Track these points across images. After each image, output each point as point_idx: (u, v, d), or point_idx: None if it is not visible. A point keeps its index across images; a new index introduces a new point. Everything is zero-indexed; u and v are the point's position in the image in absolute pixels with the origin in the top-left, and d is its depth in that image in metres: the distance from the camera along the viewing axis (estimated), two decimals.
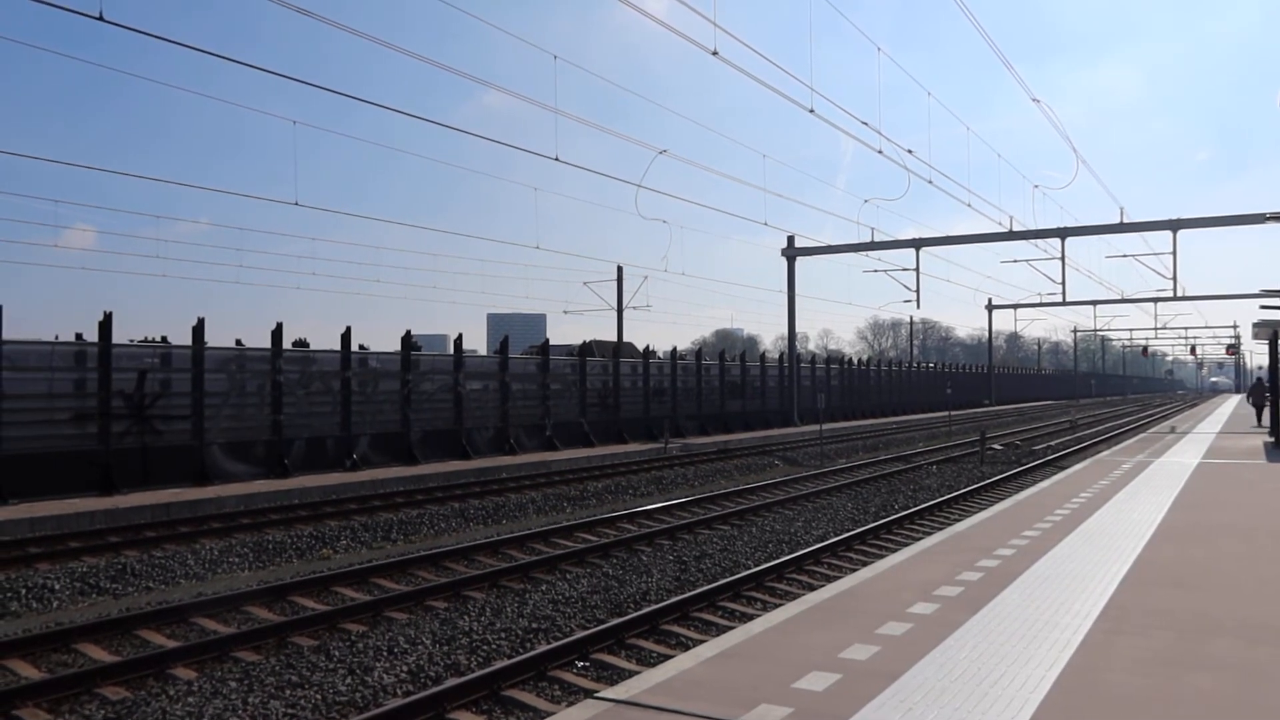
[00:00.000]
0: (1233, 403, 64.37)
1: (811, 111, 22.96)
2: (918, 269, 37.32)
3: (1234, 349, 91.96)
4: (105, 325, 17.04)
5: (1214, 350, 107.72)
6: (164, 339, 20.40)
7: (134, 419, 17.47)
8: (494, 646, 7.76)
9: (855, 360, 54.97)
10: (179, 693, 6.63)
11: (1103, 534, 9.75)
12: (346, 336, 21.59)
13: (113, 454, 16.75)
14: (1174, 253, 34.51)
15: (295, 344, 23.66)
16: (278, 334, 19.99)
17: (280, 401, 19.80)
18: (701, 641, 7.28)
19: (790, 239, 40.55)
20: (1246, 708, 4.60)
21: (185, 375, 18.47)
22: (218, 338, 19.58)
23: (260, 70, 16.09)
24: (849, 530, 13.37)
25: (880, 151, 27.17)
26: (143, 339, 21.45)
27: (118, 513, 14.39)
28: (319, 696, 6.53)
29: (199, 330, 18.50)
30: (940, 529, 12.08)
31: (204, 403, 18.39)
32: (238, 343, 21.22)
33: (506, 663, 7.00)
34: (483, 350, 48.22)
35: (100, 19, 12.40)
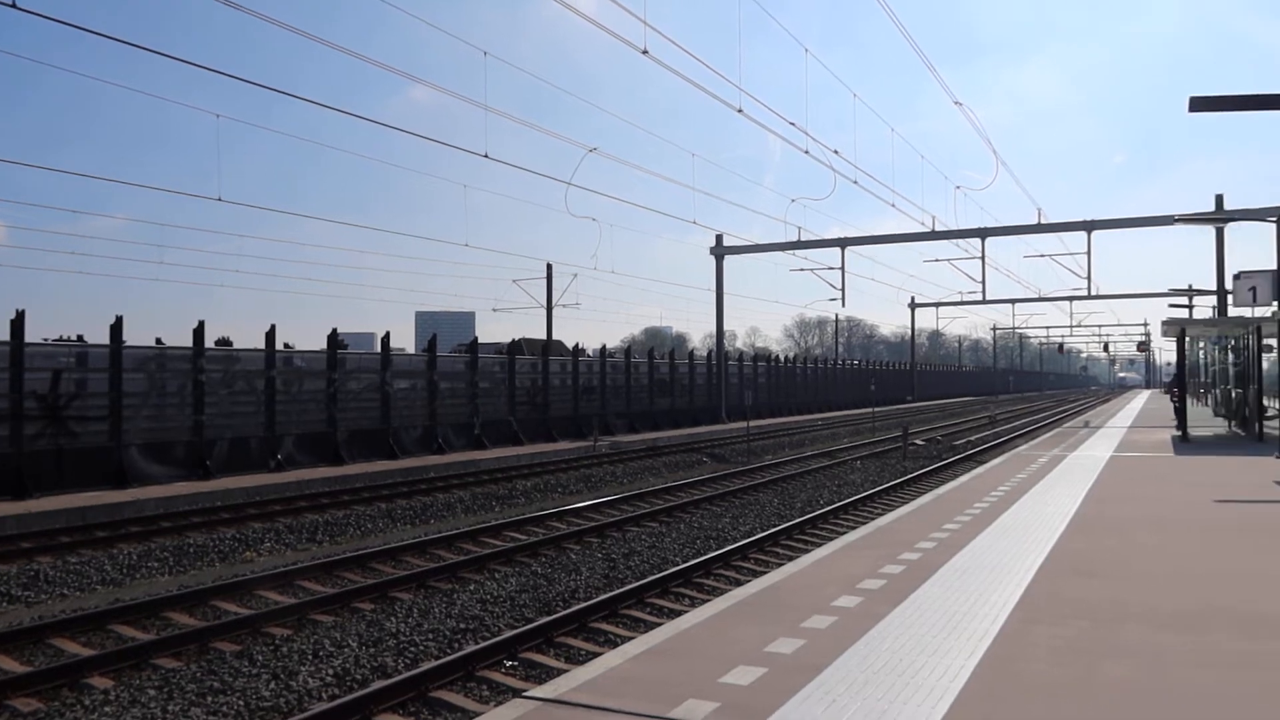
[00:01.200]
0: (1143, 398, 66.76)
1: (740, 111, 23.22)
2: (843, 268, 37.96)
3: (1144, 346, 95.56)
4: (18, 324, 16.41)
5: (1126, 347, 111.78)
6: (80, 338, 19.68)
7: (48, 420, 16.87)
8: (422, 648, 7.71)
9: (782, 358, 55.64)
10: (95, 703, 6.45)
11: (1020, 527, 10.05)
12: (271, 335, 21.19)
13: (25, 457, 16.14)
14: (1088, 253, 35.97)
15: (218, 343, 23.05)
16: (199, 333, 19.53)
17: (202, 401, 19.33)
18: (630, 639, 7.32)
19: (719, 237, 40.88)
20: (1154, 694, 4.81)
21: (103, 375, 17.92)
22: (137, 336, 19.03)
23: (184, 63, 15.65)
24: (775, 526, 13.55)
25: (807, 152, 27.57)
26: (58, 338, 20.67)
27: (30, 517, 13.87)
28: (241, 702, 6.41)
29: (117, 329, 17.96)
30: (864, 523, 12.31)
31: (122, 403, 17.86)
32: (158, 341, 20.56)
33: (434, 663, 6.96)
34: (411, 349, 47.64)
35: (14, 6, 11.93)
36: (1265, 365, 22.85)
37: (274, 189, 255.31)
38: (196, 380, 19.34)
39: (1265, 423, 21.68)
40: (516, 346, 31.38)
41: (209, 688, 6.68)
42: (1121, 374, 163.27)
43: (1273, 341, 21.37)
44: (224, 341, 23.80)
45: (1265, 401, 22.73)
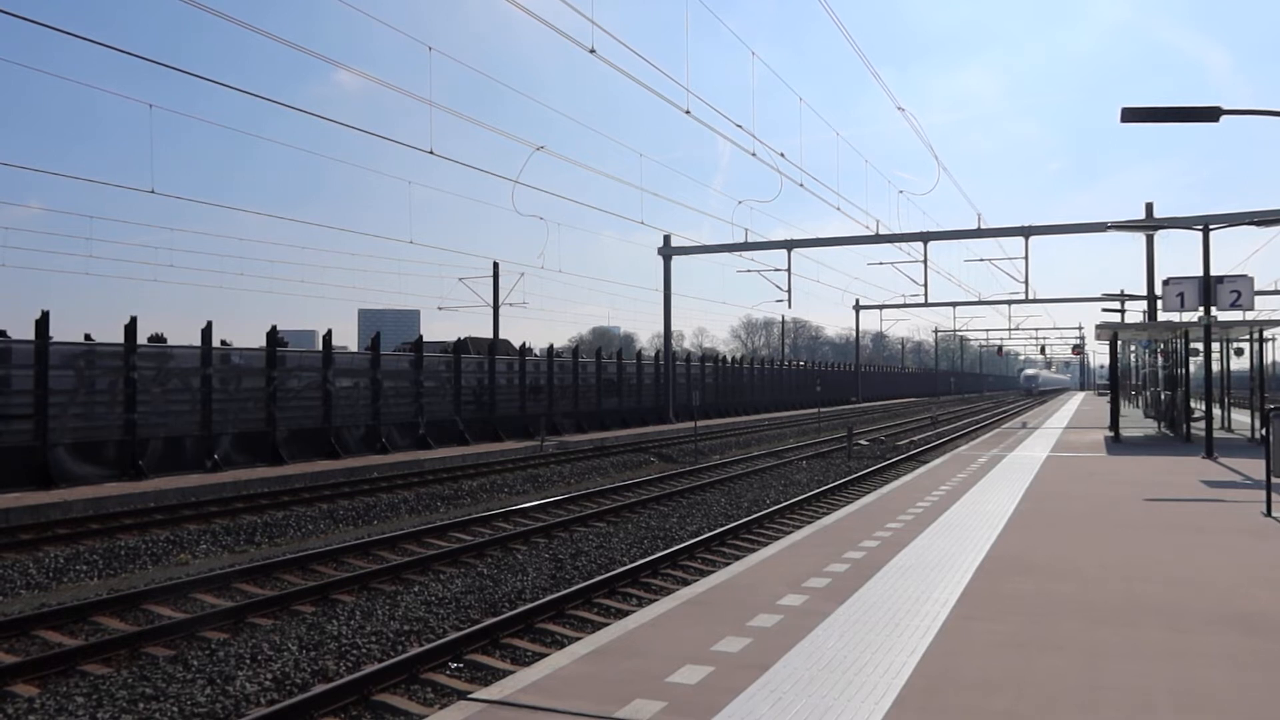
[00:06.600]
0: (1077, 399, 68.37)
1: (688, 113, 23.24)
2: (789, 269, 38.25)
3: (1079, 349, 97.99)
4: None
5: (1062, 350, 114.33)
6: (3, 333, 19.04)
7: None
8: (364, 650, 7.58)
9: (729, 358, 55.95)
10: (19, 711, 6.22)
11: (960, 525, 10.21)
12: (207, 332, 20.74)
13: None
14: (1026, 258, 36.47)
15: (151, 339, 22.47)
16: (131, 329, 19.03)
17: (134, 399, 18.84)
18: (577, 639, 7.27)
19: (666, 238, 40.92)
20: (1088, 687, 4.90)
21: (27, 372, 17.35)
22: (64, 332, 18.47)
23: (114, 50, 15.15)
24: (723, 525, 13.60)
25: (754, 154, 27.70)
26: None
27: None
28: (175, 709, 6.23)
29: (43, 324, 17.40)
30: (810, 522, 12.41)
31: (48, 401, 17.31)
32: (87, 337, 19.98)
33: (377, 666, 6.84)
34: (353, 347, 46.93)
35: None
36: (1192, 369, 23.53)
37: (209, 181, 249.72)
38: (128, 378, 18.85)
39: (1192, 424, 22.32)
40: (462, 345, 31.09)
41: (141, 694, 6.48)
42: (1029, 370, 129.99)
43: (1199, 346, 22.00)
44: (158, 338, 23.24)
45: (1192, 404, 23.41)
